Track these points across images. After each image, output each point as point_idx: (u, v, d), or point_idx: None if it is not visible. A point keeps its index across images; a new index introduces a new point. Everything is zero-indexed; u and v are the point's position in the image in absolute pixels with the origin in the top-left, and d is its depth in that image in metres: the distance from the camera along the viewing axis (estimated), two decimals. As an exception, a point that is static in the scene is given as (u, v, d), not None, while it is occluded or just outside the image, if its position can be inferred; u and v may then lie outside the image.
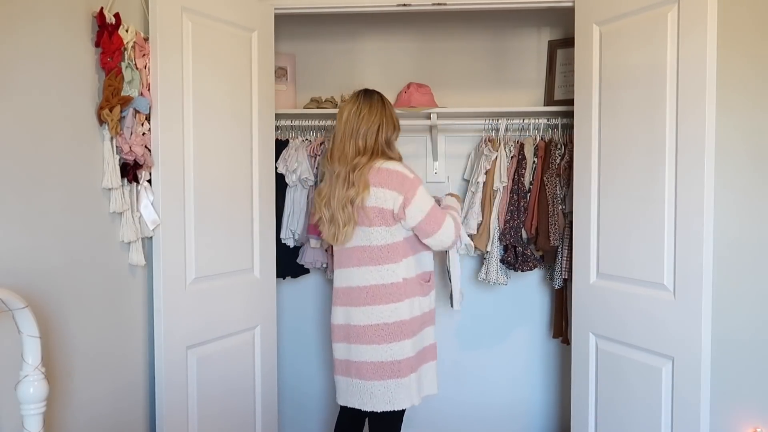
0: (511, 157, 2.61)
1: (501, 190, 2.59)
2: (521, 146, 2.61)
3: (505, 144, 2.62)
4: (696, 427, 1.84)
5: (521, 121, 2.64)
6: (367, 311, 2.00)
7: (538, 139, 2.63)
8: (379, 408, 2.01)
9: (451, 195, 2.39)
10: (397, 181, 1.96)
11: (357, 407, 2.07)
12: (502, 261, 2.60)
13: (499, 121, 2.65)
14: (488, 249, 2.60)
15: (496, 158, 2.59)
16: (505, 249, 2.61)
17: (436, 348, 2.19)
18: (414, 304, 2.05)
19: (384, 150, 2.05)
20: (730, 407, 2.03)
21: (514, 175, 2.59)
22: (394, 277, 1.99)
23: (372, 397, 2.02)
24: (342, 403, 2.13)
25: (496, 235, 2.59)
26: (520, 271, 2.57)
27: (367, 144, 2.02)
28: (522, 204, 2.57)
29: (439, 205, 2.15)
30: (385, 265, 1.99)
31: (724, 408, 2.01)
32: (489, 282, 2.61)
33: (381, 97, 2.11)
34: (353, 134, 2.02)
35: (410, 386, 2.02)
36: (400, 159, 2.11)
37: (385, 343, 1.99)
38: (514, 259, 2.57)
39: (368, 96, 2.09)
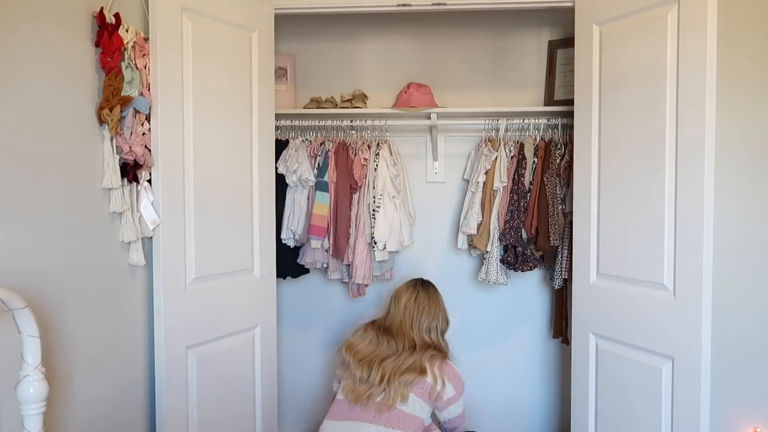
0: (511, 157, 2.61)
1: (501, 190, 2.59)
2: (521, 146, 2.61)
3: (504, 144, 2.62)
4: (696, 428, 1.84)
5: (521, 121, 2.64)
6: None
7: (538, 139, 2.63)
8: None
9: None
10: (458, 382, 2.11)
11: None
12: (502, 261, 2.60)
13: (499, 121, 2.65)
14: (488, 249, 2.60)
15: (496, 158, 2.59)
16: (505, 249, 2.61)
17: None
18: None
19: (441, 345, 2.17)
20: (730, 407, 2.03)
21: (514, 175, 2.59)
22: None
23: None
24: None
25: (497, 235, 2.59)
26: (520, 271, 2.57)
27: (433, 339, 2.15)
28: (522, 204, 2.57)
29: None
30: (396, 431, 2.00)
31: (724, 408, 2.01)
32: (489, 282, 2.61)
33: (436, 290, 2.27)
34: (415, 322, 2.16)
35: None
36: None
37: None
38: (514, 259, 2.57)
39: (426, 287, 2.25)
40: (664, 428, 1.94)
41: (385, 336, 2.15)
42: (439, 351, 2.14)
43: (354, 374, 2.08)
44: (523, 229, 2.58)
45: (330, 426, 2.08)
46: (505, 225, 2.58)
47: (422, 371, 2.04)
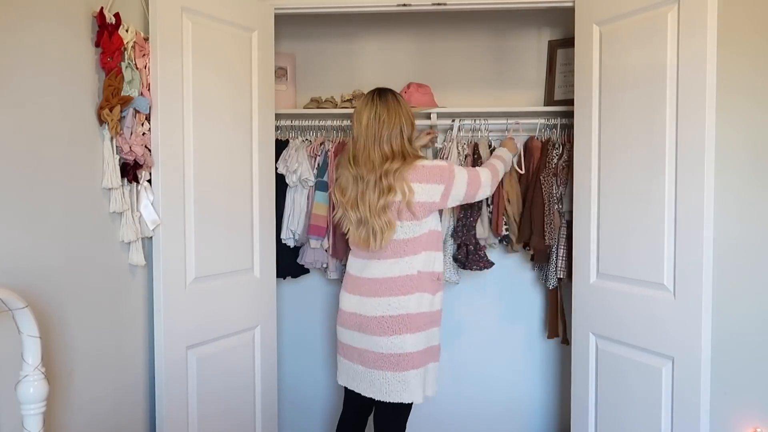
0: (465, 156, 2.60)
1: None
2: (475, 146, 2.61)
3: (458, 143, 2.62)
4: (696, 427, 1.84)
5: (514, 122, 2.64)
6: (377, 302, 2.05)
7: (492, 143, 2.64)
8: (377, 397, 2.05)
9: (505, 145, 2.47)
10: (436, 174, 2.06)
11: (356, 390, 2.12)
12: (454, 259, 2.61)
13: (453, 121, 2.66)
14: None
15: (448, 155, 2.60)
16: (458, 247, 2.61)
17: (439, 349, 2.20)
18: (423, 299, 2.07)
19: (408, 151, 2.08)
20: (730, 407, 2.03)
21: None
22: (410, 269, 2.05)
23: (371, 385, 2.07)
24: (344, 384, 2.18)
25: (449, 233, 2.60)
26: (469, 270, 2.58)
27: (393, 149, 2.05)
28: (477, 202, 2.51)
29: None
30: (405, 257, 2.05)
31: (724, 408, 2.01)
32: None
33: (395, 96, 2.13)
34: (377, 139, 2.06)
35: (409, 381, 2.04)
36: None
37: (387, 336, 2.02)
38: (465, 257, 2.57)
39: (383, 97, 2.11)
40: (664, 428, 1.94)
41: (355, 168, 2.09)
42: (404, 158, 2.05)
43: (350, 218, 2.12)
44: (478, 227, 2.56)
45: (353, 261, 2.17)
46: (457, 222, 2.58)
47: (390, 190, 2.01)
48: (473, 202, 2.25)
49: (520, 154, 2.59)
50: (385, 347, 2.03)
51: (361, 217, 2.07)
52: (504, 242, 2.67)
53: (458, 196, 2.12)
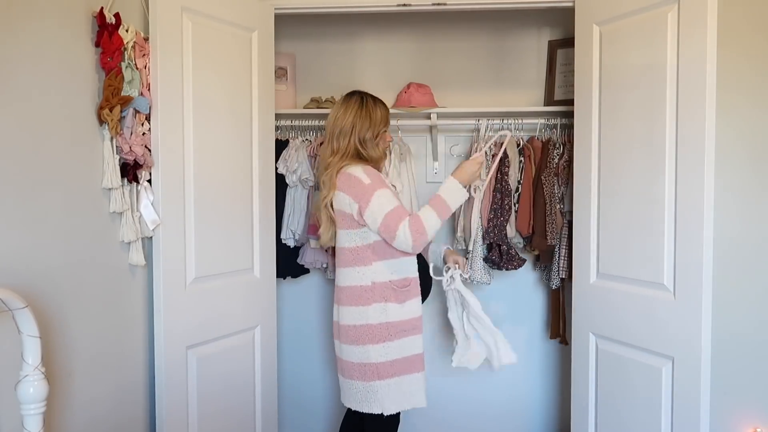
0: (492, 156, 2.59)
1: (482, 188, 2.55)
2: (502, 145, 2.59)
3: (485, 143, 2.61)
4: (696, 427, 1.84)
5: (516, 120, 2.63)
6: (343, 311, 2.04)
7: (523, 140, 2.62)
8: (353, 406, 2.04)
9: (465, 167, 2.08)
10: (352, 187, 1.96)
11: (343, 403, 2.11)
12: (485, 260, 2.59)
13: (480, 121, 2.65)
14: (470, 248, 2.60)
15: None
16: (489, 248, 2.60)
17: (422, 359, 2.06)
18: (386, 309, 1.98)
19: (358, 151, 2.04)
20: (730, 407, 2.03)
21: (497, 173, 2.56)
22: (362, 280, 1.99)
23: (348, 394, 2.06)
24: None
25: (479, 234, 2.58)
26: (504, 270, 2.56)
27: (339, 146, 2.04)
28: (506, 202, 2.54)
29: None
30: (356, 267, 2.01)
31: (724, 408, 2.01)
32: (473, 282, 2.58)
33: (361, 98, 2.09)
34: (332, 136, 2.07)
35: (376, 392, 1.98)
36: (379, 159, 2.11)
37: (355, 345, 2.00)
38: (499, 258, 2.56)
39: (349, 97, 2.11)
40: (664, 428, 1.94)
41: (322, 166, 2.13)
42: (352, 158, 2.01)
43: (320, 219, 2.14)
44: (507, 228, 2.56)
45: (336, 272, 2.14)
46: (488, 223, 2.57)
47: (324, 185, 2.04)
48: (391, 243, 1.95)
49: (490, 167, 2.47)
50: (354, 356, 2.01)
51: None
52: (525, 242, 2.66)
53: (372, 224, 1.94)
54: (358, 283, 2.00)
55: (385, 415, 1.98)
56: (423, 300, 2.09)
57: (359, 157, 2.04)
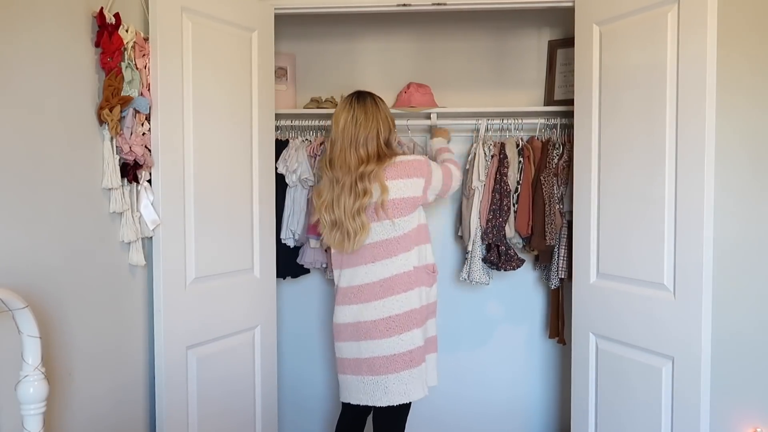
0: (492, 156, 2.60)
1: (480, 189, 2.58)
2: (502, 145, 2.60)
3: (484, 143, 2.62)
4: (696, 427, 1.84)
5: (515, 120, 2.64)
6: (380, 305, 2.05)
7: (522, 140, 2.62)
8: (396, 401, 2.05)
9: (437, 135, 2.54)
10: (416, 168, 2.09)
11: (369, 404, 2.09)
12: (484, 260, 2.59)
13: (479, 121, 2.65)
14: (469, 248, 2.60)
15: (474, 157, 2.59)
16: (488, 248, 2.60)
17: (437, 340, 2.25)
18: (422, 293, 2.11)
19: (385, 152, 2.09)
20: (730, 407, 2.03)
21: (496, 174, 2.56)
22: (406, 266, 2.07)
23: (387, 392, 2.05)
24: (349, 401, 2.15)
25: (478, 234, 2.58)
26: (503, 270, 2.56)
27: (369, 152, 2.06)
28: (505, 203, 2.55)
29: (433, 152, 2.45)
30: (399, 255, 2.07)
31: (724, 408, 2.01)
32: (471, 282, 2.59)
33: (374, 99, 2.14)
34: (353, 143, 2.06)
35: (422, 376, 2.09)
36: (393, 156, 2.15)
37: (396, 335, 2.04)
38: (497, 258, 2.56)
39: (361, 100, 2.11)
40: (664, 428, 1.94)
41: (332, 171, 2.10)
42: (379, 160, 2.06)
43: (324, 220, 2.12)
44: (506, 228, 2.56)
45: (343, 273, 2.15)
46: (487, 224, 2.57)
47: (366, 193, 2.02)
48: (445, 196, 2.27)
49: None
50: (396, 347, 2.03)
51: (335, 219, 2.07)
52: (525, 242, 2.66)
53: (436, 188, 2.16)
54: (401, 270, 2.06)
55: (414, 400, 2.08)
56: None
57: (380, 157, 2.08)
